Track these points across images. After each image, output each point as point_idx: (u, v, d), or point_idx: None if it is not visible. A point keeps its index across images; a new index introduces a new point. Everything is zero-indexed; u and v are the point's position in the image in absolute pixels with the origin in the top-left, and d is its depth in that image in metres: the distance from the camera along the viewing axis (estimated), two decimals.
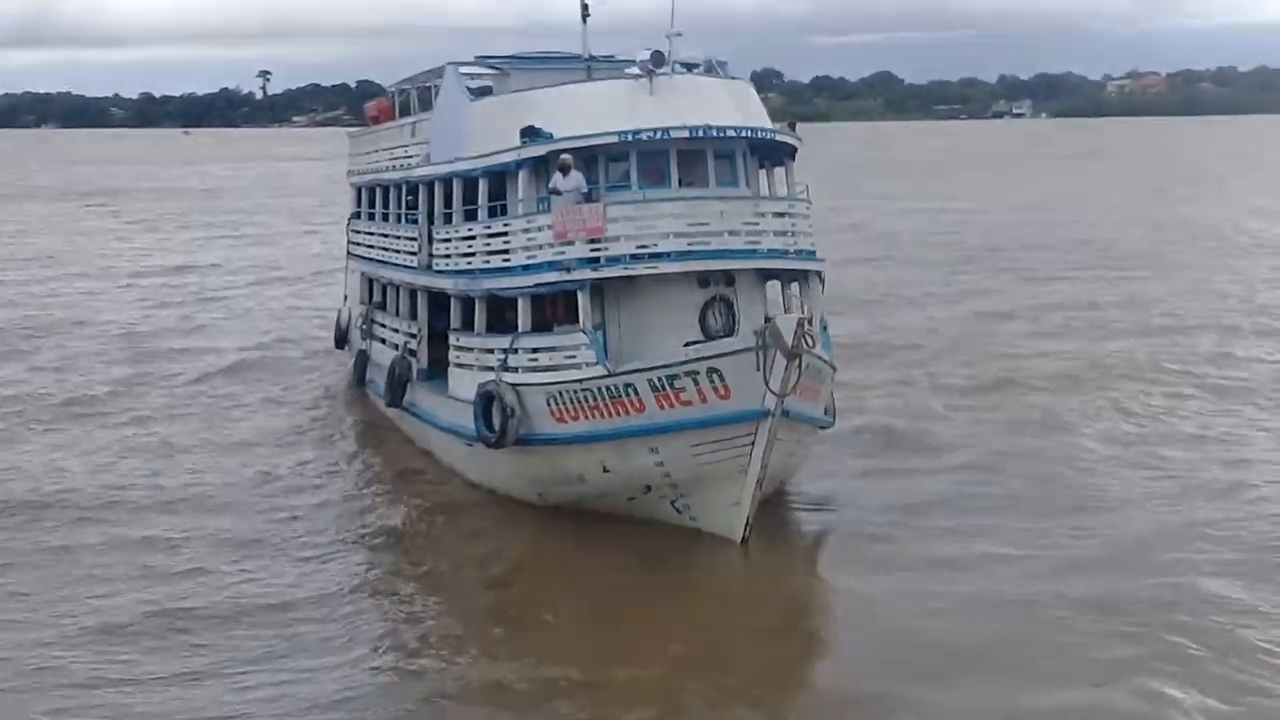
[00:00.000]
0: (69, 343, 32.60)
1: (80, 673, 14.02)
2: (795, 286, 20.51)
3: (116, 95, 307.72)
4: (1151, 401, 25.23)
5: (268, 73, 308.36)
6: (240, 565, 17.16)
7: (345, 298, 29.66)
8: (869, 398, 25.04)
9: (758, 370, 16.29)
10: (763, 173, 21.04)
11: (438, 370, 21.62)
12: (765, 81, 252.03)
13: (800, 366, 16.34)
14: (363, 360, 25.96)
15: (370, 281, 26.72)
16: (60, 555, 17.58)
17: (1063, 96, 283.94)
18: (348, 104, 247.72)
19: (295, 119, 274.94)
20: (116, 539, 18.18)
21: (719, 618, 15.67)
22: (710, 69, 21.33)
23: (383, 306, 25.71)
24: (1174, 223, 58.93)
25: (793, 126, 20.86)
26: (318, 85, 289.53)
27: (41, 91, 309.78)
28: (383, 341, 24.99)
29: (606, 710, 13.20)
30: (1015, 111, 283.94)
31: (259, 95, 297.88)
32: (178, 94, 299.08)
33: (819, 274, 20.12)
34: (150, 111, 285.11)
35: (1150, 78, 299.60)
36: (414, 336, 23.01)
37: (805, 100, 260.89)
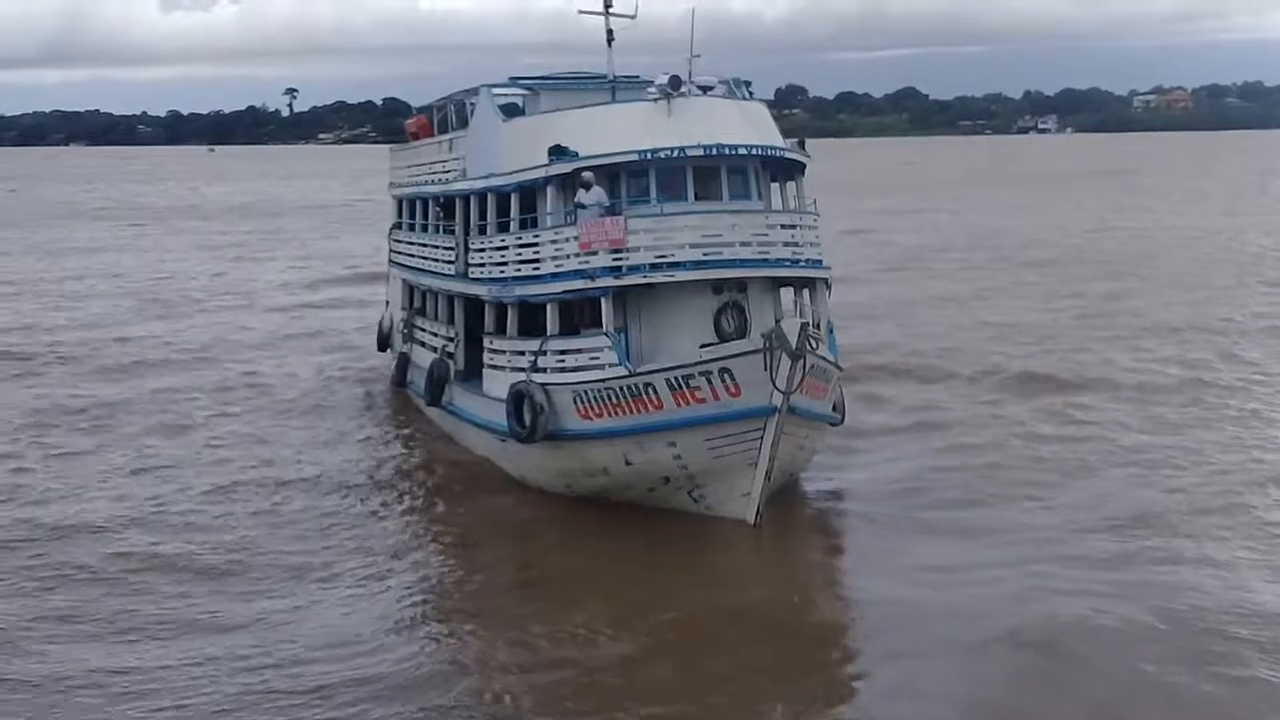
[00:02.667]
0: None
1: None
2: (806, 293, 21.87)
3: (144, 113, 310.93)
4: None
5: (294, 90, 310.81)
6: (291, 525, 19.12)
7: (387, 303, 30.84)
8: None
9: (765, 370, 17.64)
10: (775, 186, 22.35)
11: (474, 372, 22.88)
12: (790, 98, 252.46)
13: (804, 366, 17.67)
14: (403, 362, 27.22)
15: (411, 288, 27.85)
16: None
17: (1088, 111, 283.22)
18: (373, 121, 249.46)
19: (321, 136, 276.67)
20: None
21: (730, 602, 16.71)
22: (730, 90, 22.62)
23: (422, 312, 26.94)
24: None
25: (802, 145, 22.26)
26: (343, 102, 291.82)
27: (70, 110, 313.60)
28: (422, 345, 26.20)
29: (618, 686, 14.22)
30: (1040, 127, 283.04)
31: (285, 113, 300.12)
32: (205, 111, 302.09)
33: (825, 281, 21.48)
34: (178, 129, 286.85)
35: (1176, 93, 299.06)
36: (452, 340, 24.24)
37: (829, 116, 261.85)
